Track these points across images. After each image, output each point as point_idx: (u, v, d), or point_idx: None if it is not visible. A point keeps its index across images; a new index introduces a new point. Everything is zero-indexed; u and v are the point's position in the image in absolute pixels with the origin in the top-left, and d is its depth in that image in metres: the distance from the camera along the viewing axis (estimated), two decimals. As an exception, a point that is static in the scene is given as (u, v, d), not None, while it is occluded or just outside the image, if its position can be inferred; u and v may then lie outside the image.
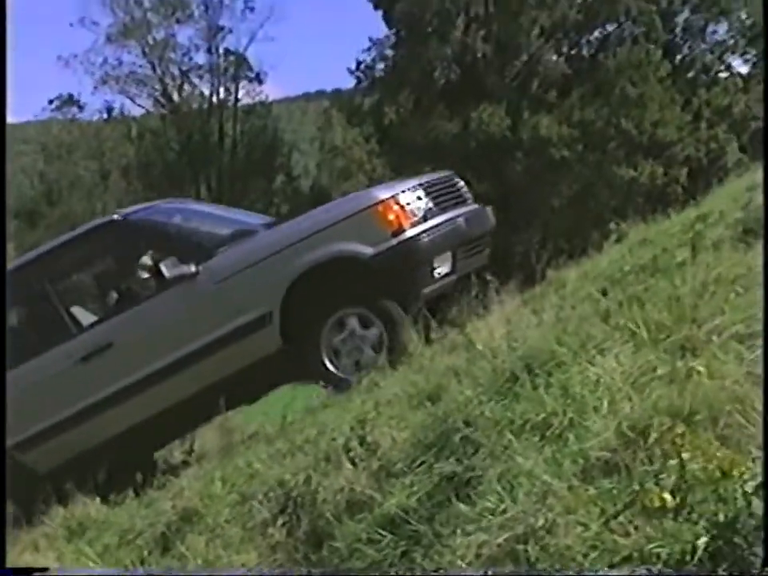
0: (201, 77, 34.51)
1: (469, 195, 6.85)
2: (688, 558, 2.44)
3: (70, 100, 34.67)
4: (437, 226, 6.22)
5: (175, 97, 34.41)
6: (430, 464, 3.45)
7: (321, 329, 6.13)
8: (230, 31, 34.20)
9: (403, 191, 6.21)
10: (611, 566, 2.53)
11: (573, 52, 29.24)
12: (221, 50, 34.25)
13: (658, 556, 2.49)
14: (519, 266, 19.40)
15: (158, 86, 34.27)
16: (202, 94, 34.60)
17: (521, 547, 2.75)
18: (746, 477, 2.51)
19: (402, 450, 3.73)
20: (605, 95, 26.84)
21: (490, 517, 2.93)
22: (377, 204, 6.11)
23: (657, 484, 2.66)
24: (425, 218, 6.17)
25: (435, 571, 2.97)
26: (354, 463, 3.89)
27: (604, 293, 4.76)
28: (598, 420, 3.08)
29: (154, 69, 34.09)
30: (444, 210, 6.37)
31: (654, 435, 2.85)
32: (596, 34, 28.90)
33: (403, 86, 27.77)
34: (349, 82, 31.38)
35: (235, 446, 5.78)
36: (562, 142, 26.26)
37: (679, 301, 3.66)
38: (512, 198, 25.35)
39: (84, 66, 33.22)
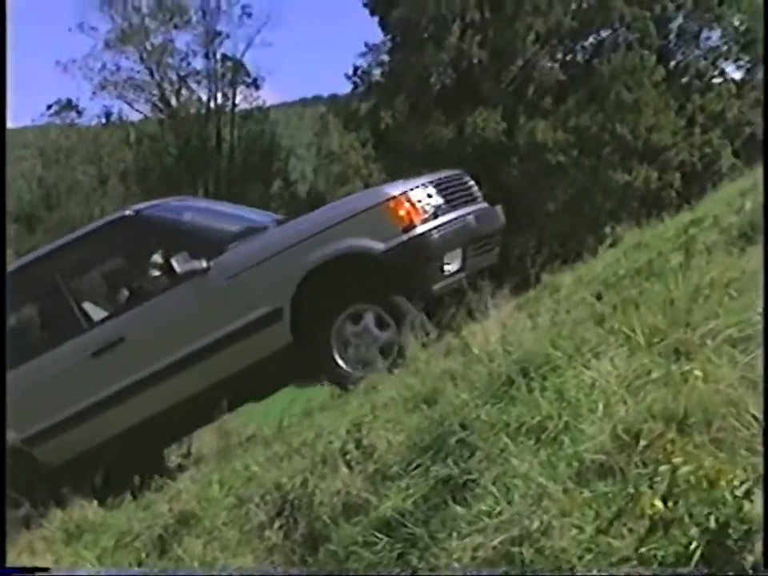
0: (198, 82, 34.66)
1: (479, 194, 6.82)
2: (683, 560, 2.46)
3: (69, 105, 34.74)
4: (447, 222, 6.21)
5: (173, 102, 34.48)
6: (426, 467, 3.47)
7: (331, 324, 6.11)
8: (228, 37, 34.35)
9: (414, 188, 6.20)
10: (611, 565, 2.55)
11: (568, 58, 29.32)
12: (218, 56, 34.43)
13: (654, 557, 2.51)
14: (515, 270, 19.50)
15: (155, 92, 34.35)
16: (199, 99, 34.71)
17: (516, 549, 2.76)
18: (735, 482, 2.52)
19: (398, 453, 3.73)
20: (600, 101, 26.90)
21: (486, 519, 2.94)
22: (388, 200, 6.10)
23: (651, 487, 2.67)
24: (435, 215, 6.16)
25: (431, 570, 2.99)
26: (350, 466, 3.90)
27: (599, 297, 4.79)
28: (593, 423, 3.08)
29: (151, 74, 34.17)
30: (454, 208, 6.36)
31: (646, 439, 2.86)
32: (591, 40, 29.00)
33: (399, 92, 27.80)
34: (345, 88, 31.60)
35: (232, 449, 5.78)
36: (557, 147, 26.31)
37: (673, 304, 3.66)
38: (508, 202, 25.31)
39: (83, 71, 33.39)
